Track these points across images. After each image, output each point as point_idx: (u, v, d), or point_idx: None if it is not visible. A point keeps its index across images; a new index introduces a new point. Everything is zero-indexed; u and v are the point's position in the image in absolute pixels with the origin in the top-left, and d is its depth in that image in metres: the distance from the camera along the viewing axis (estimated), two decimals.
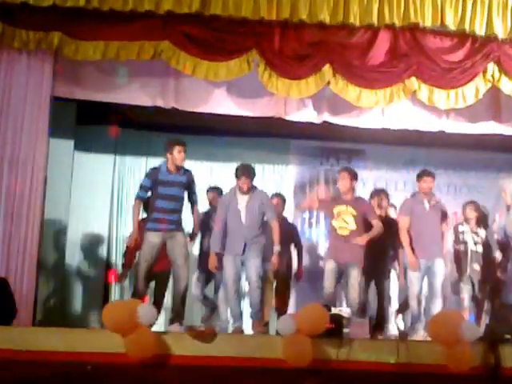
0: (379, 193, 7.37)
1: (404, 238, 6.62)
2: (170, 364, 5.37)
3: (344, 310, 6.28)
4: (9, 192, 6.32)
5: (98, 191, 8.05)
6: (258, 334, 6.31)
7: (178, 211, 6.35)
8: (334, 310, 6.09)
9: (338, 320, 5.79)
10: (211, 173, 8.39)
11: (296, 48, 6.64)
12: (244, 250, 6.34)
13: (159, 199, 6.25)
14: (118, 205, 8.51)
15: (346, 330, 5.87)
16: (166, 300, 6.95)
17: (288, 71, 6.62)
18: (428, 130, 7.36)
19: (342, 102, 6.84)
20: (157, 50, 6.48)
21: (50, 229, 7.49)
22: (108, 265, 8.37)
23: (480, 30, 6.54)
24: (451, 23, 6.50)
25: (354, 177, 6.65)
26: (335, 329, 5.69)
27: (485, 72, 6.71)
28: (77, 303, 8.15)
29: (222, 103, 7.10)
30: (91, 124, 8.12)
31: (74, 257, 8.16)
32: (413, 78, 6.68)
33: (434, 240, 6.66)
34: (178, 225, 6.34)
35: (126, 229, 7.86)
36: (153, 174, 6.33)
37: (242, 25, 6.51)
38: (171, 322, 6.31)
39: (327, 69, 6.63)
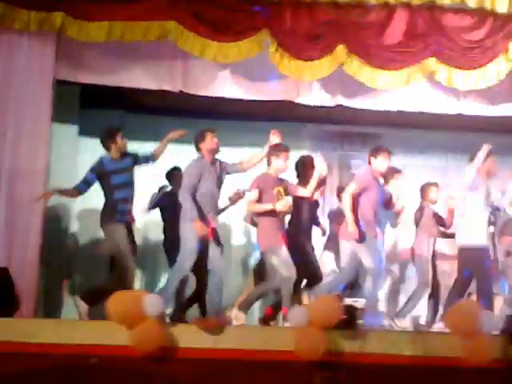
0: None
1: None
2: (178, 357, 5.35)
3: (358, 301, 6.27)
4: (11, 178, 6.31)
5: None
6: (268, 326, 6.32)
7: (132, 200, 6.50)
8: (347, 301, 6.09)
9: (351, 311, 5.79)
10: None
11: (308, 28, 6.64)
12: None
13: (116, 190, 6.33)
14: None
15: (360, 322, 5.89)
16: None
17: (300, 52, 6.62)
18: (445, 112, 7.33)
19: (357, 84, 6.82)
20: (164, 30, 6.47)
21: (53, 215, 7.45)
22: None
23: (501, 8, 6.52)
24: (471, 1, 6.47)
25: None
26: (349, 320, 5.67)
27: (506, 51, 6.71)
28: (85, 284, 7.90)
29: (231, 86, 7.08)
30: (96, 108, 8.04)
31: (78, 243, 8.15)
32: (431, 59, 6.70)
33: None
34: (131, 215, 6.52)
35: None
36: (97, 167, 6.38)
37: (252, 3, 6.51)
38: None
39: (341, 49, 6.63)
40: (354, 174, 6.89)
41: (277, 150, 6.39)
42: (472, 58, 6.67)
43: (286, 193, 6.40)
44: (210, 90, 7.07)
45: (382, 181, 6.82)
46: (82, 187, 6.39)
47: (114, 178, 6.33)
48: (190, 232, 5.96)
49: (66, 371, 5.09)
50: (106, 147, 6.42)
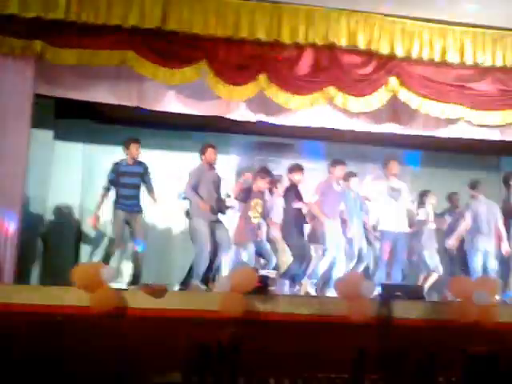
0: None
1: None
2: (128, 315, 5.38)
3: (270, 272, 6.39)
4: None
5: (73, 173, 7.90)
6: (199, 291, 6.33)
7: (138, 197, 6.58)
8: (261, 272, 6.21)
9: (264, 280, 5.88)
10: (168, 160, 8.17)
11: (237, 60, 6.62)
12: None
13: (122, 188, 6.46)
14: (88, 183, 8.17)
15: (271, 288, 5.99)
16: None
17: (231, 78, 6.60)
18: (341, 128, 7.41)
19: (274, 105, 6.84)
20: (123, 57, 6.37)
21: (31, 202, 7.36)
22: (79, 231, 8.16)
23: (384, 50, 6.65)
24: (362, 44, 6.59)
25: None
26: (262, 287, 5.77)
27: (387, 83, 6.82)
28: (53, 262, 7.80)
29: (176, 103, 7.00)
30: (67, 117, 7.90)
31: (51, 226, 7.95)
32: (331, 87, 6.74)
33: None
34: (138, 207, 6.57)
35: (94, 201, 7.67)
36: (115, 167, 6.54)
37: (194, 39, 6.46)
38: (130, 284, 6.39)
39: (263, 77, 6.62)
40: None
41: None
42: (361, 88, 6.75)
43: None
44: (160, 105, 6.98)
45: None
46: (108, 186, 6.60)
47: (123, 179, 6.48)
48: (203, 225, 6.41)
49: (38, 326, 5.05)
50: (125, 153, 6.59)
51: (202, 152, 6.68)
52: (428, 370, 3.19)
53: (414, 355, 3.43)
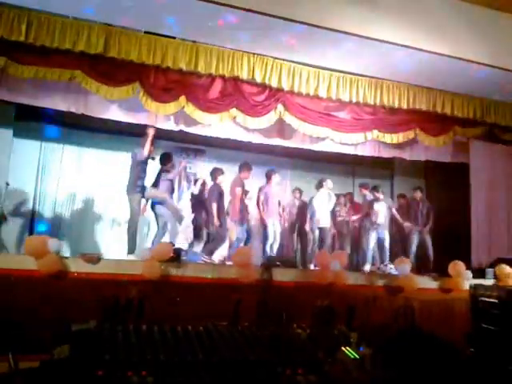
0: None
1: None
2: (68, 277, 5.31)
3: (183, 245, 6.46)
4: None
5: (29, 164, 7.54)
6: (127, 259, 6.25)
7: None
8: (176, 245, 6.26)
9: (178, 251, 5.96)
10: (104, 158, 7.98)
11: (164, 83, 6.53)
12: None
13: (143, 172, 6.56)
14: (42, 173, 7.87)
15: (183, 258, 6.04)
16: None
17: (158, 97, 6.53)
18: (241, 139, 7.44)
19: (191, 119, 6.82)
20: (73, 75, 6.18)
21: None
22: (33, 211, 7.80)
23: (274, 84, 6.75)
24: (258, 78, 6.67)
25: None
26: (176, 257, 5.83)
27: (276, 109, 6.96)
28: (12, 236, 7.51)
29: (116, 113, 6.85)
30: (26, 120, 7.55)
31: (9, 207, 7.54)
32: (234, 109, 6.80)
33: None
34: None
35: (48, 187, 7.39)
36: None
37: (129, 65, 6.32)
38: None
39: (183, 98, 6.61)
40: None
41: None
42: (257, 111, 6.84)
43: None
44: (102, 114, 6.80)
45: None
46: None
47: (143, 165, 6.51)
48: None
49: None
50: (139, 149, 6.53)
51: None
52: (286, 321, 3.38)
53: (276, 309, 3.60)
